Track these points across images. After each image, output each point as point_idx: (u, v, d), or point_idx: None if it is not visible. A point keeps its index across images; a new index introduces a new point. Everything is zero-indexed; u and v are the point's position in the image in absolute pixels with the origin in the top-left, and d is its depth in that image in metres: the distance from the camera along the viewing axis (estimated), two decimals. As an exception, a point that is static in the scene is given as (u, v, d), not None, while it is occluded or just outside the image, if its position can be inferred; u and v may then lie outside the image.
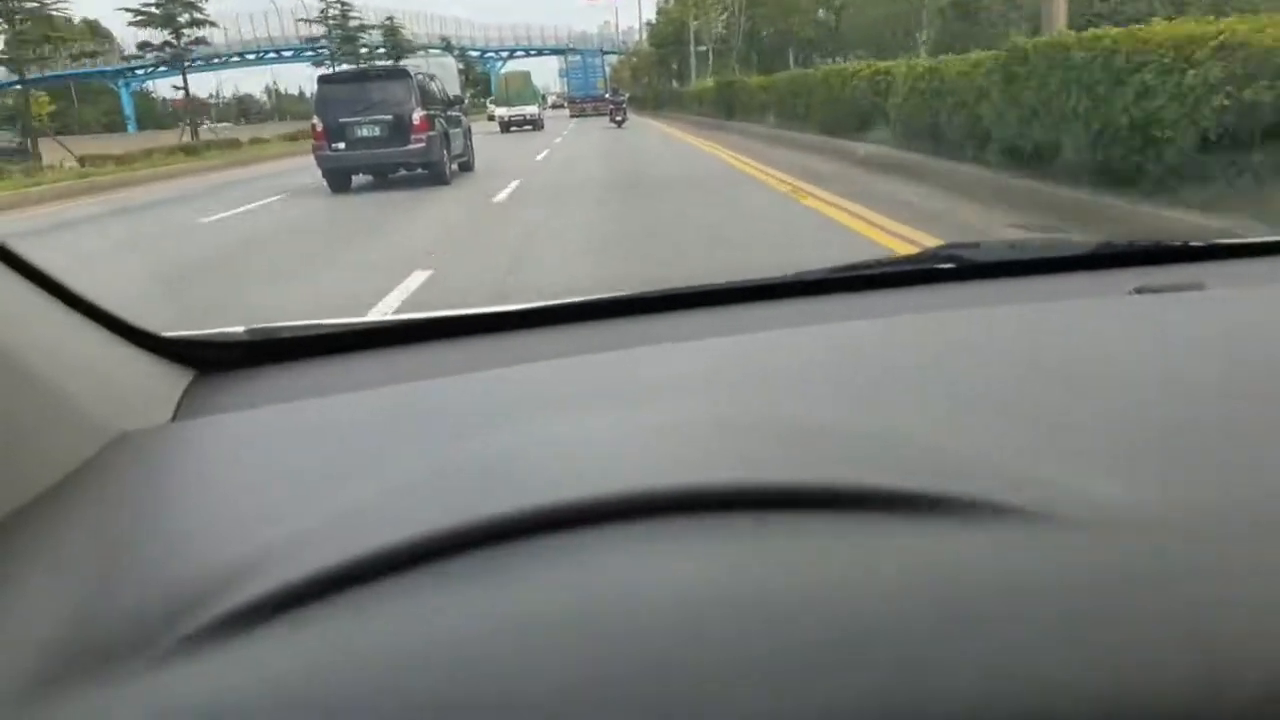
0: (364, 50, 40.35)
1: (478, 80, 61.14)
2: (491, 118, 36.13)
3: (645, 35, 51.62)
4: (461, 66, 28.20)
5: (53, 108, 27.94)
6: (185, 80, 29.36)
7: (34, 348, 0.61)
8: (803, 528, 0.41)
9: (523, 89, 33.77)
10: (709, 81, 25.27)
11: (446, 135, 11.45)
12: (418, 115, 10.75)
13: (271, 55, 62.81)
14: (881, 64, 11.03)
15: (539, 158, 15.75)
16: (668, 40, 39.77)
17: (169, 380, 0.76)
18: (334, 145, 10.94)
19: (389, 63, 37.94)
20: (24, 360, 0.59)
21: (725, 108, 20.17)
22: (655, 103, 33.36)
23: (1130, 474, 0.45)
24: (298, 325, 0.89)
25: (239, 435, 0.65)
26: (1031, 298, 0.95)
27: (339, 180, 11.24)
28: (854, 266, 1.04)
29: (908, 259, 1.08)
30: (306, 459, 0.59)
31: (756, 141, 15.19)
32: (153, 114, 62.83)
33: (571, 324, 0.94)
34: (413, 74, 11.42)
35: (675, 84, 33.60)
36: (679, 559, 0.40)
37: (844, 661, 0.34)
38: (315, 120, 11.16)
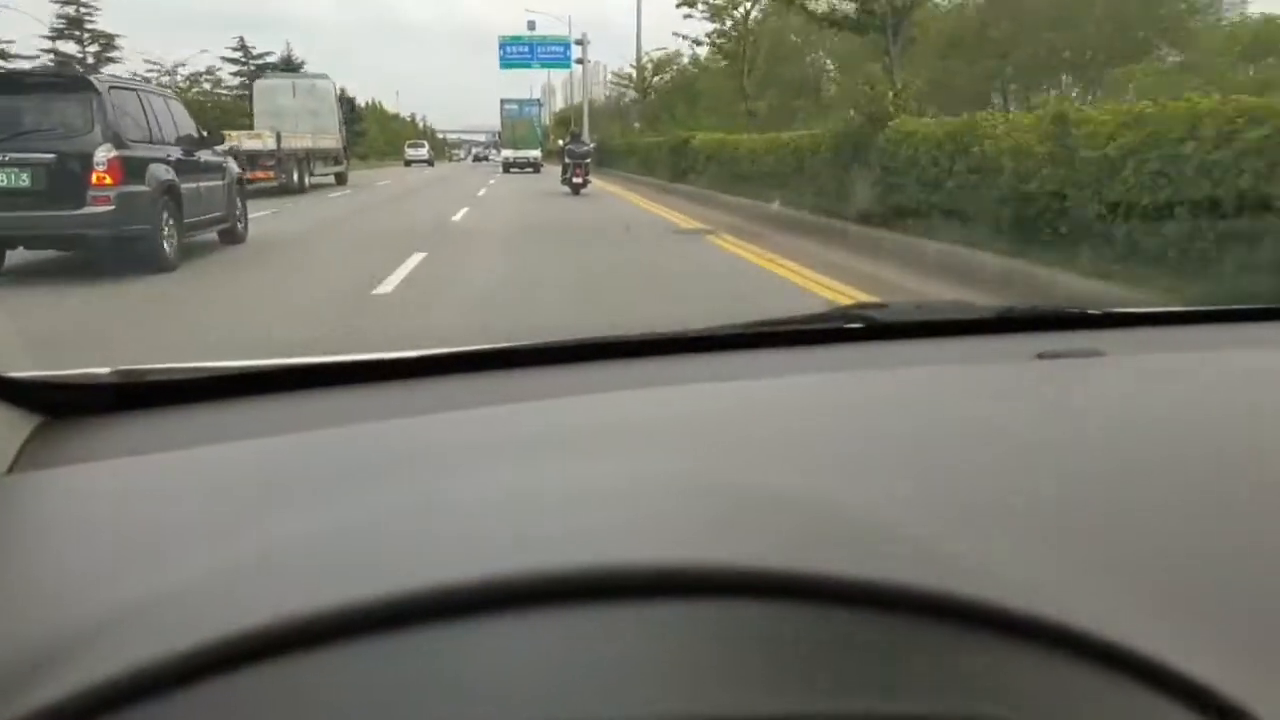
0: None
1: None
2: (426, 162, 47.16)
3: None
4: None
5: None
6: None
7: None
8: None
9: (527, 134, 36.19)
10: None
11: (172, 192, 7.13)
12: (104, 156, 6.47)
13: None
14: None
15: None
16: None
17: (9, 426, 0.69)
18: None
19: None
20: None
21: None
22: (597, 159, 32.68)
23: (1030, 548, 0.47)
24: (171, 368, 0.82)
25: (77, 491, 0.59)
26: (937, 360, 0.96)
27: None
28: (764, 323, 1.03)
29: (818, 316, 1.08)
30: (150, 523, 0.53)
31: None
32: None
33: (469, 373, 0.89)
34: (100, 87, 6.76)
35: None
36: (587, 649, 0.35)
37: None
38: None
